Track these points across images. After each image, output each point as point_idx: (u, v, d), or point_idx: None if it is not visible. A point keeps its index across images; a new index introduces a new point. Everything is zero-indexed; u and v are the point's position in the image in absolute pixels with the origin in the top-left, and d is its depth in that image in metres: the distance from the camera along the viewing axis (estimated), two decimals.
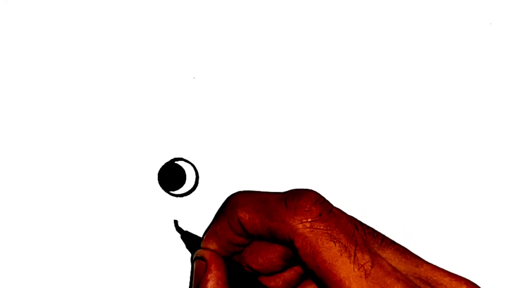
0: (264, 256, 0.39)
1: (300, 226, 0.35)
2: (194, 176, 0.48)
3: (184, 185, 0.48)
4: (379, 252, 0.36)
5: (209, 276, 0.39)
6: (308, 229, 0.35)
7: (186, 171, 0.48)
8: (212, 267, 0.39)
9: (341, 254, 0.34)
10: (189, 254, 0.48)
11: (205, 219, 0.48)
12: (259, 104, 0.50)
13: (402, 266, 0.36)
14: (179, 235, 0.44)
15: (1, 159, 0.48)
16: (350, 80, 0.51)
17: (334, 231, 0.35)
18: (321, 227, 0.35)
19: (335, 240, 0.34)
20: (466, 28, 0.51)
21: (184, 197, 0.48)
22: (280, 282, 0.41)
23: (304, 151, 0.50)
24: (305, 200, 0.36)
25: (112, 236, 0.48)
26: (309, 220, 0.35)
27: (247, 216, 0.37)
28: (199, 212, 0.48)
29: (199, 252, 0.40)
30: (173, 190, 0.48)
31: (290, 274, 0.41)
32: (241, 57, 0.50)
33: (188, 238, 0.45)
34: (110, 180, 0.48)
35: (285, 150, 0.50)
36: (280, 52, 0.51)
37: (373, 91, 0.51)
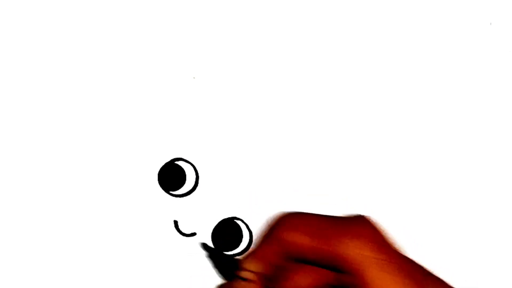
0: (298, 282, 0.38)
1: (363, 256, 0.34)
2: (194, 176, 0.48)
3: (184, 185, 0.48)
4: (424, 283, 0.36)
5: None
6: (370, 259, 0.34)
7: (186, 171, 0.48)
8: None
9: (402, 284, 0.34)
10: (189, 255, 0.48)
11: (205, 219, 0.48)
12: (259, 104, 0.50)
13: None
14: (178, 236, 0.44)
15: (1, 159, 0.48)
16: (350, 81, 0.51)
17: (396, 264, 0.34)
18: (384, 258, 0.34)
19: (396, 274, 0.34)
20: (466, 28, 0.51)
21: (184, 197, 0.48)
22: None
23: (304, 151, 0.50)
24: (367, 228, 0.35)
25: (112, 236, 0.48)
26: (373, 249, 0.34)
27: (300, 239, 0.36)
28: (199, 212, 0.48)
29: (247, 274, 0.38)
30: (173, 190, 0.48)
31: None
32: (241, 57, 0.50)
33: (218, 257, 0.44)
34: (110, 180, 0.48)
35: (285, 150, 0.49)
36: (280, 52, 0.51)
37: (373, 91, 0.51)
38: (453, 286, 0.36)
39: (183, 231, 0.48)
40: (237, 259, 0.39)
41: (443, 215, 0.49)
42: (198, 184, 0.48)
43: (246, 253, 0.39)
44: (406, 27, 0.51)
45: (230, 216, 0.48)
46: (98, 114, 0.49)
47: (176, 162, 0.48)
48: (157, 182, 0.48)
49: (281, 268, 0.38)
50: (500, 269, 0.49)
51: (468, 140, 0.50)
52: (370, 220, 0.36)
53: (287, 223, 0.37)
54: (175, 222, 0.47)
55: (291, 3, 0.51)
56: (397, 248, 0.35)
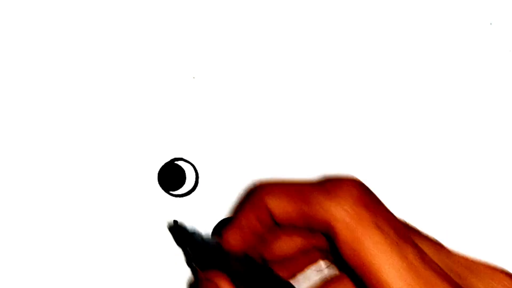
0: (283, 248, 0.38)
1: (343, 213, 0.33)
2: (194, 176, 0.48)
3: (184, 185, 0.48)
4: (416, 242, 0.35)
5: None
6: (350, 216, 0.33)
7: (186, 171, 0.48)
8: None
9: (386, 245, 0.33)
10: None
11: (205, 219, 0.48)
12: (259, 104, 0.50)
13: (435, 256, 0.34)
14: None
15: (1, 159, 0.48)
16: (350, 82, 0.51)
17: (379, 220, 0.33)
18: (366, 215, 0.33)
19: (380, 229, 0.33)
20: (466, 28, 0.51)
21: (184, 197, 0.48)
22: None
23: (304, 151, 0.50)
24: (349, 186, 0.34)
25: (112, 236, 0.48)
26: (353, 206, 0.34)
27: (279, 203, 0.35)
28: (199, 212, 0.48)
29: (206, 274, 0.38)
30: (173, 190, 0.48)
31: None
32: (241, 57, 0.50)
33: (179, 232, 0.43)
34: (110, 180, 0.48)
35: (285, 150, 0.50)
36: (280, 52, 0.51)
37: (373, 91, 0.51)
38: (443, 244, 0.36)
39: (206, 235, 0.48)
40: (216, 239, 0.39)
41: (443, 212, 0.49)
42: (198, 184, 0.48)
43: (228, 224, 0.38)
44: (406, 27, 0.51)
45: (230, 216, 0.48)
46: (98, 114, 0.49)
47: (176, 162, 0.48)
48: (157, 182, 0.48)
49: (264, 236, 0.37)
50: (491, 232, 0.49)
51: (468, 141, 0.50)
52: (354, 180, 0.35)
53: (267, 189, 0.36)
54: (175, 222, 0.47)
55: (291, 3, 0.51)
56: (382, 205, 0.35)
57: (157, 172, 0.48)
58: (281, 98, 0.50)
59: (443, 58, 0.51)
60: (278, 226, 0.36)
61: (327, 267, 0.39)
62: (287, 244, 0.38)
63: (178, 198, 0.48)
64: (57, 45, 0.50)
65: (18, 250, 0.47)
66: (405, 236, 0.33)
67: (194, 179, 0.48)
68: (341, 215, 0.33)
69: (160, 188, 0.48)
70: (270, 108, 0.50)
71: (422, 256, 0.33)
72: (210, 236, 0.42)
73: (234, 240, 0.38)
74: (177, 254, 0.48)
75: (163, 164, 0.48)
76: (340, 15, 0.51)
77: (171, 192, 0.48)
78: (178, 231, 0.44)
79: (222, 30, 0.50)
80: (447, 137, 0.50)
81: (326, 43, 0.51)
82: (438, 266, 0.33)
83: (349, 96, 0.50)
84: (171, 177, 0.48)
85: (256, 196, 0.36)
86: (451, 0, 0.51)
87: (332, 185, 0.34)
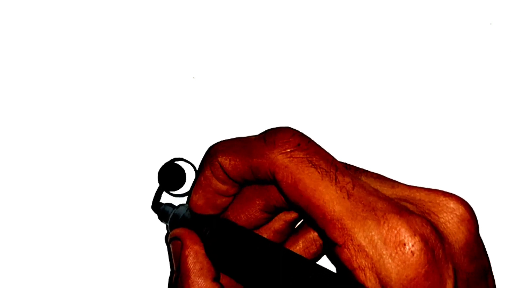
0: (246, 212, 0.40)
1: (280, 157, 0.35)
2: (194, 176, 0.48)
3: (184, 185, 0.48)
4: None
5: (187, 251, 0.39)
6: (288, 159, 0.35)
7: (186, 171, 0.48)
8: (188, 242, 0.39)
9: (322, 178, 0.34)
10: None
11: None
12: (259, 104, 0.50)
13: (379, 188, 0.36)
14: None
15: (1, 159, 0.48)
16: (351, 82, 0.51)
17: (314, 158, 0.35)
18: (301, 155, 0.35)
19: (315, 166, 0.35)
20: (466, 28, 0.51)
21: (184, 197, 0.48)
22: (272, 234, 0.41)
23: None
24: (283, 133, 0.36)
25: (112, 236, 0.48)
26: (288, 150, 0.35)
27: (228, 159, 0.38)
28: None
29: (172, 233, 0.41)
30: (173, 190, 0.48)
31: (279, 224, 0.41)
32: (241, 57, 0.50)
33: (161, 210, 0.45)
34: (110, 180, 0.48)
35: None
36: (280, 52, 0.51)
37: (373, 91, 0.51)
38: (393, 179, 0.36)
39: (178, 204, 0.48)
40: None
41: None
42: None
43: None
44: (406, 27, 0.51)
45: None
46: (98, 114, 0.49)
47: (176, 162, 0.48)
48: (157, 182, 0.48)
49: (226, 195, 0.40)
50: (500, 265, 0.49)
51: (468, 142, 0.50)
52: (288, 127, 0.37)
53: (218, 147, 0.39)
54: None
55: (291, 3, 0.51)
56: (314, 144, 0.36)
57: (157, 172, 0.48)
58: (281, 98, 0.50)
59: (443, 58, 0.51)
60: (236, 183, 0.39)
61: None
62: (249, 207, 0.40)
63: (178, 198, 0.48)
64: (57, 45, 0.50)
65: (18, 250, 0.47)
66: (343, 169, 0.35)
67: (194, 179, 0.48)
68: (280, 160, 0.35)
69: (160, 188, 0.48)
70: (270, 108, 0.50)
71: (360, 183, 0.34)
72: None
73: (199, 200, 0.40)
74: None
75: (163, 164, 0.48)
76: (340, 15, 0.51)
77: (171, 192, 0.48)
78: (157, 208, 0.45)
79: (222, 30, 0.50)
80: (447, 137, 0.50)
81: (326, 43, 0.51)
82: (382, 193, 0.34)
83: (350, 97, 0.51)
84: (171, 177, 0.48)
85: (209, 155, 0.39)
86: (451, 0, 0.51)
87: (268, 135, 0.36)
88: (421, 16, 0.51)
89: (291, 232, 0.42)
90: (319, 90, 0.50)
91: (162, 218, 0.45)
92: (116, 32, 0.50)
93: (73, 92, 0.49)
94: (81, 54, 0.50)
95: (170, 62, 0.50)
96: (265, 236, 0.41)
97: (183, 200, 0.48)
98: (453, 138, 0.50)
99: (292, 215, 0.41)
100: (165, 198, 0.48)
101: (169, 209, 0.45)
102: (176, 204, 0.45)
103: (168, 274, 0.48)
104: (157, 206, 0.46)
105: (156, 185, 0.48)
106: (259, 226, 0.41)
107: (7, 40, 0.50)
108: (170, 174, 0.48)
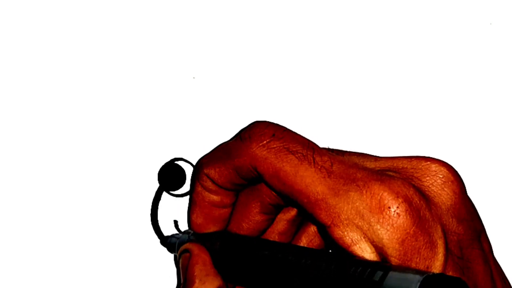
0: (246, 218, 0.39)
1: (258, 150, 0.35)
2: (188, 199, 0.48)
3: (184, 185, 0.48)
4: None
5: (194, 260, 0.39)
6: (266, 150, 0.35)
7: (186, 171, 0.48)
8: (196, 251, 0.39)
9: (301, 163, 0.34)
10: None
11: None
12: (259, 104, 0.50)
13: (362, 163, 0.36)
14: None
15: (1, 159, 0.48)
16: (351, 82, 0.51)
17: (291, 145, 0.35)
18: (277, 144, 0.35)
19: (293, 152, 0.35)
20: (466, 28, 0.51)
21: (184, 197, 0.48)
22: (277, 237, 0.41)
23: None
24: (257, 126, 0.36)
25: (112, 236, 0.48)
26: (264, 142, 0.36)
27: (213, 168, 0.38)
28: None
29: (181, 248, 0.40)
30: (173, 190, 0.48)
31: (281, 225, 0.41)
32: (241, 57, 0.50)
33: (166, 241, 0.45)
34: (110, 180, 0.48)
35: None
36: (280, 52, 0.51)
37: (373, 91, 0.51)
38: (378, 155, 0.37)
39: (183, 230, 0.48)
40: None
41: None
42: None
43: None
44: (406, 27, 0.51)
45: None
46: (98, 114, 0.49)
47: (176, 162, 0.48)
48: (157, 182, 0.48)
49: (222, 206, 0.40)
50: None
51: (468, 142, 0.50)
52: (261, 121, 0.37)
53: (202, 161, 0.39)
54: (175, 222, 0.47)
55: (291, 3, 0.51)
56: (288, 131, 0.36)
57: (157, 172, 0.48)
58: (281, 98, 0.50)
59: (443, 58, 0.51)
60: (228, 190, 0.39)
61: None
62: (247, 213, 0.40)
63: (178, 198, 0.48)
64: (57, 45, 0.50)
65: (18, 250, 0.47)
66: (320, 150, 0.35)
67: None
68: (258, 153, 0.36)
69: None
70: (270, 108, 0.50)
71: (339, 159, 0.34)
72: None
73: (197, 218, 0.40)
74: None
75: (163, 164, 0.48)
76: (340, 15, 0.51)
77: (171, 192, 0.48)
78: (164, 242, 0.45)
79: (222, 30, 0.50)
80: (447, 137, 0.50)
81: (326, 43, 0.51)
82: (357, 164, 0.34)
83: (350, 97, 0.50)
84: (171, 177, 0.48)
85: (196, 171, 0.39)
86: (451, 0, 0.51)
87: (243, 132, 0.37)
88: (421, 16, 0.51)
89: (296, 231, 0.41)
90: (319, 90, 0.50)
91: (170, 250, 0.45)
92: (116, 32, 0.50)
93: (73, 92, 0.49)
94: (81, 54, 0.50)
95: (170, 62, 0.50)
96: None
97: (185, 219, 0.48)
98: (453, 138, 0.50)
99: (292, 212, 0.41)
100: (165, 197, 0.48)
101: (175, 240, 0.45)
102: (178, 208, 0.45)
103: (166, 277, 0.48)
104: (164, 240, 0.46)
105: (156, 185, 0.48)
106: (263, 232, 0.40)
107: (7, 40, 0.50)
108: (170, 174, 0.48)
